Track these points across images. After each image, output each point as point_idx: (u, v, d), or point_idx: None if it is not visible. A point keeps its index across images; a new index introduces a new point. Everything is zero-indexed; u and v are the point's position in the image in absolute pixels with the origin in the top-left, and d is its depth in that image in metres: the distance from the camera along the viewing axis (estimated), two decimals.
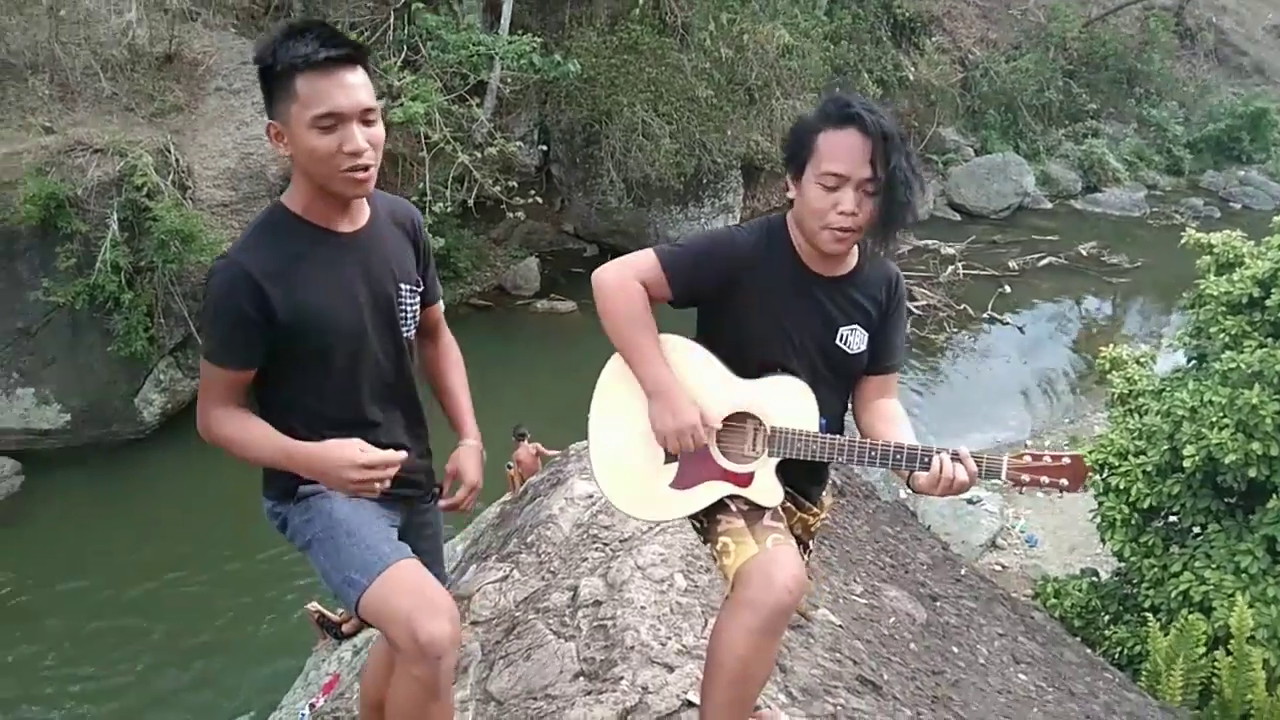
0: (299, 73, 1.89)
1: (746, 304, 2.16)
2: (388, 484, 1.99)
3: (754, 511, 2.16)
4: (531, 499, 4.83)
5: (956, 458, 2.04)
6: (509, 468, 8.72)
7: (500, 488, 8.46)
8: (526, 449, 8.74)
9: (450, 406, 2.40)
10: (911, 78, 21.11)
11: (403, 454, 2.00)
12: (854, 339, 2.21)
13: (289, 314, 1.97)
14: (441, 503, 2.34)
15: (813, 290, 2.18)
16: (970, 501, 10.62)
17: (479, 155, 13.88)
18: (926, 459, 2.06)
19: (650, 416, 2.15)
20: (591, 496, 4.28)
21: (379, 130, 1.98)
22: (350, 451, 1.95)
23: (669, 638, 3.10)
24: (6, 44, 12.43)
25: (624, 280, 2.17)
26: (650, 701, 2.79)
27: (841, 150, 2.02)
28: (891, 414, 2.24)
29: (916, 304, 15.89)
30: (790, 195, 2.14)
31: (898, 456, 2.08)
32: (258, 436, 2.02)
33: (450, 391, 2.40)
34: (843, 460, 2.14)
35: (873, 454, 2.10)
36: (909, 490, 2.11)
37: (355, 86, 1.92)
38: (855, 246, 2.17)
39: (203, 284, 2.00)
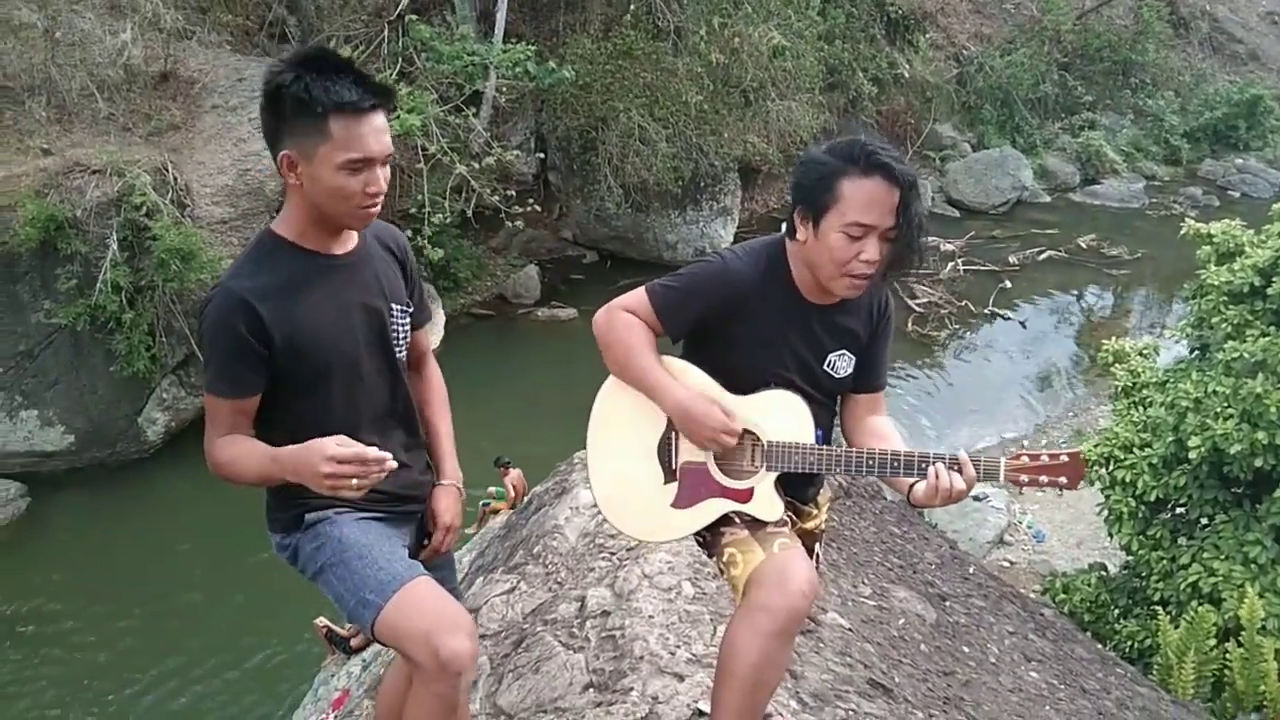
0: (333, 114, 1.89)
1: (739, 333, 2.16)
2: (373, 483, 1.87)
3: (757, 522, 2.16)
4: (537, 509, 4.82)
5: (955, 464, 2.04)
6: (484, 505, 8.58)
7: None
8: (516, 474, 8.64)
9: (431, 446, 2.35)
10: (906, 75, 21.07)
11: (388, 456, 1.87)
12: (841, 363, 2.23)
13: (285, 338, 1.98)
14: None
15: (808, 320, 2.18)
16: (976, 498, 10.61)
17: (476, 165, 13.89)
18: (924, 465, 2.05)
19: (687, 435, 2.14)
20: (597, 505, 4.28)
21: (388, 167, 2.03)
22: (323, 446, 1.85)
23: (678, 646, 3.09)
24: (3, 68, 12.44)
25: (615, 317, 2.17)
26: (661, 712, 2.78)
27: (869, 200, 2.01)
28: (884, 430, 2.25)
29: (917, 301, 15.88)
30: (801, 236, 2.10)
31: (895, 464, 2.08)
32: (246, 450, 2.01)
33: (433, 431, 2.36)
34: (840, 471, 2.14)
35: (870, 463, 2.10)
36: (910, 504, 2.11)
37: (384, 131, 1.97)
38: None
39: (203, 302, 1.99)
